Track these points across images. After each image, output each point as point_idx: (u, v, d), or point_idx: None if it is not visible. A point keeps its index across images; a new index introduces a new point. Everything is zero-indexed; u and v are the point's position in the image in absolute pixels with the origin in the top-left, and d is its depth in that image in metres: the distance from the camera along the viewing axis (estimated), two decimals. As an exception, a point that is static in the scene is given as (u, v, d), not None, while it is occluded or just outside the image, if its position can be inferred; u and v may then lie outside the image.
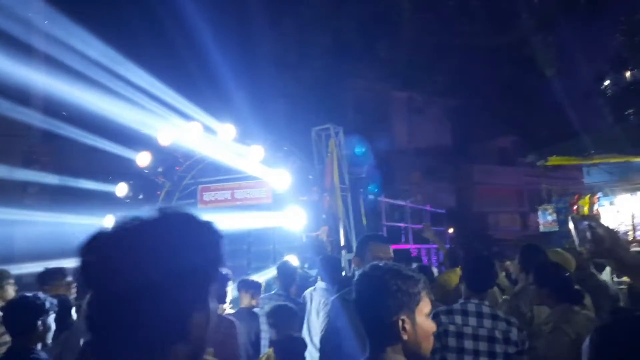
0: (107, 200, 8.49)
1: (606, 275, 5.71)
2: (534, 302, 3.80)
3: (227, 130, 7.64)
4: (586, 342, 1.52)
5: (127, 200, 8.27)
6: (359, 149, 8.85)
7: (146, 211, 1.06)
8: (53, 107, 9.57)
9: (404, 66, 17.88)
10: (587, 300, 3.84)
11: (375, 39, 17.91)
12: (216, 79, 13.20)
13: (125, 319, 0.96)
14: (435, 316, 2.99)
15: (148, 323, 0.97)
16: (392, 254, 3.19)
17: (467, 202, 20.49)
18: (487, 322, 3.06)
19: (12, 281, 4.57)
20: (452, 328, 3.07)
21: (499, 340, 2.98)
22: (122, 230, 1.04)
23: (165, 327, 0.99)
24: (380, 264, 1.82)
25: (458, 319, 3.12)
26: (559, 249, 4.90)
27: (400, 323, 1.69)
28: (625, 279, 8.65)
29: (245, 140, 7.65)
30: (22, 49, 9.25)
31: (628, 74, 17.95)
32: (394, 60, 17.91)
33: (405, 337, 1.70)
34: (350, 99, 19.54)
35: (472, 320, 3.09)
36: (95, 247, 1.03)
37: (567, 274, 3.64)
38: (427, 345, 1.76)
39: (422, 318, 1.75)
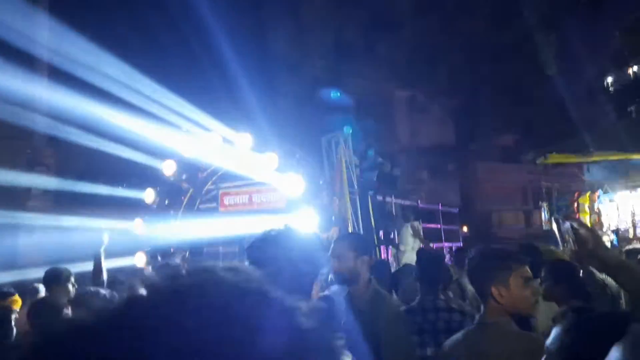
0: (133, 205, 9.42)
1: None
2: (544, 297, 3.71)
3: (244, 139, 8.24)
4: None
5: (154, 206, 9.07)
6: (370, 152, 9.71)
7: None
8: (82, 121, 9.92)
9: (406, 65, 17.96)
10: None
11: (376, 37, 18.00)
12: (230, 87, 13.81)
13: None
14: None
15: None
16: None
17: (471, 200, 20.46)
18: (443, 315, 3.30)
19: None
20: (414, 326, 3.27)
21: (456, 331, 3.12)
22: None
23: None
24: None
25: (418, 317, 3.33)
26: (552, 247, 4.94)
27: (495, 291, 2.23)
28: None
29: (260, 148, 8.20)
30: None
31: (630, 70, 17.97)
32: (396, 59, 18.00)
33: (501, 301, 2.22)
34: (352, 98, 19.59)
35: (431, 316, 3.32)
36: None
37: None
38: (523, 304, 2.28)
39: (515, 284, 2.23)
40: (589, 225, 1.98)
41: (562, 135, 16.36)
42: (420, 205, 12.72)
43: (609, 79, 18.66)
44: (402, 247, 9.40)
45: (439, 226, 13.19)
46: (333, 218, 7.95)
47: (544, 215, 15.04)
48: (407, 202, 12.37)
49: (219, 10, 13.47)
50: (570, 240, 1.84)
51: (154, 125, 8.71)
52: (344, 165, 8.47)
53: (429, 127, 21.05)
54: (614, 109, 17.70)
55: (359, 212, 8.66)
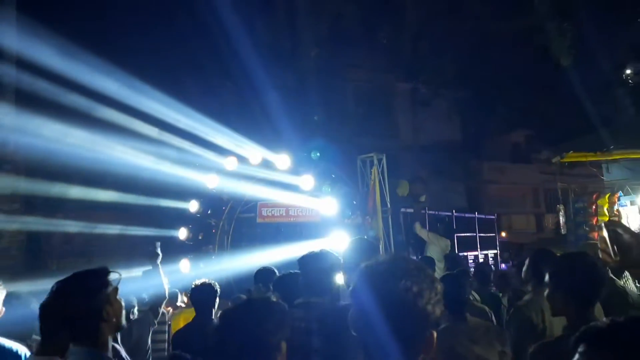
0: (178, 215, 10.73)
1: (628, 280, 5.02)
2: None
3: (282, 160, 8.92)
4: None
5: (198, 215, 10.28)
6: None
7: None
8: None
9: (408, 55, 17.32)
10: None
11: (376, 25, 17.31)
12: (269, 110, 14.59)
13: None
14: None
15: None
16: None
17: (477, 203, 19.65)
18: None
19: None
20: None
21: None
22: None
23: None
24: None
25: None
26: (568, 253, 4.22)
27: None
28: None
29: (297, 170, 9.00)
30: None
31: (652, 62, 17.19)
32: (397, 49, 17.31)
33: None
34: (351, 91, 18.96)
35: None
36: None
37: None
38: None
39: None
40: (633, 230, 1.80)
41: (578, 132, 15.80)
42: (456, 214, 13.76)
43: (628, 71, 17.86)
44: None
45: (474, 234, 14.16)
46: (365, 237, 8.12)
47: (561, 219, 14.21)
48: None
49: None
50: (611, 247, 1.81)
51: (199, 147, 10.06)
52: (377, 184, 9.12)
53: (432, 123, 20.38)
54: (633, 103, 17.08)
55: (391, 230, 9.44)
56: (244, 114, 13.67)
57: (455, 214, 13.58)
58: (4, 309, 3.21)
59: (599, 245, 1.86)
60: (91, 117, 10.76)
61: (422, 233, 10.13)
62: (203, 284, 4.40)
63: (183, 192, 10.49)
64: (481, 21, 17.32)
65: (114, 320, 2.40)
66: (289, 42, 15.71)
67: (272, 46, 14.97)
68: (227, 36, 14.28)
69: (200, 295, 4.38)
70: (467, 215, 14.45)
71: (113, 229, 12.73)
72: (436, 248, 9.72)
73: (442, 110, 20.33)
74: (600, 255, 1.82)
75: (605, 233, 1.83)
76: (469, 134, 21.22)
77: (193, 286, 4.41)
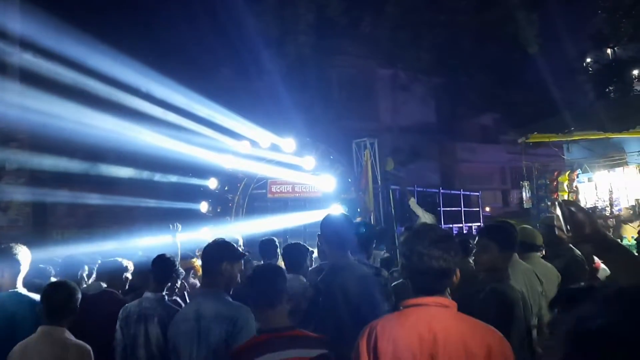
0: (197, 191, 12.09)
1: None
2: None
3: (288, 143, 10.04)
4: None
5: (216, 191, 11.70)
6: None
7: None
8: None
9: (389, 43, 17.88)
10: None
11: (359, 15, 17.86)
12: (278, 98, 15.22)
13: None
14: None
15: None
16: None
17: (451, 180, 20.62)
18: None
19: None
20: None
21: None
22: None
23: None
24: None
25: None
26: (526, 225, 5.06)
27: None
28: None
29: (300, 152, 10.09)
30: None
31: (609, 51, 18.04)
32: (379, 37, 17.88)
33: None
34: (334, 75, 19.59)
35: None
36: None
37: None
38: None
39: None
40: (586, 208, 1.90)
41: (543, 115, 16.30)
42: (442, 191, 14.67)
43: (588, 59, 18.70)
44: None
45: (459, 209, 15.23)
46: (358, 210, 9.57)
47: (525, 194, 15.12)
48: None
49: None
50: (564, 224, 1.82)
51: (217, 132, 11.14)
52: (370, 165, 10.10)
53: (410, 106, 21.04)
54: (593, 89, 17.74)
55: (381, 204, 10.33)
56: (238, 99, 14.21)
57: (441, 190, 14.45)
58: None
59: (555, 222, 1.87)
60: (112, 102, 11.41)
61: (417, 209, 10.48)
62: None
63: (204, 171, 11.65)
64: (455, 13, 17.95)
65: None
66: (277, 30, 16.16)
67: (262, 34, 15.45)
68: (222, 27, 14.85)
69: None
70: (452, 192, 15.47)
71: (121, 201, 13.54)
72: (426, 222, 10.64)
73: (420, 95, 21.03)
74: (557, 232, 1.82)
75: (559, 211, 1.84)
76: (443, 116, 21.96)
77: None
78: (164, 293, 4.15)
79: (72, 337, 3.42)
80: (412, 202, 10.47)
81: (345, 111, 18.43)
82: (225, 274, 3.31)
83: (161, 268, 4.18)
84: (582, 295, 1.54)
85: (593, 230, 1.77)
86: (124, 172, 13.00)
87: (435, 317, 2.12)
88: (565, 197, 14.08)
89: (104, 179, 13.15)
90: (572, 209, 1.81)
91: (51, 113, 10.48)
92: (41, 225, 14.26)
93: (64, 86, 10.76)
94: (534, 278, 3.82)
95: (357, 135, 11.46)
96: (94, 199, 13.68)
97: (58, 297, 3.43)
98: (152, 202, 13.08)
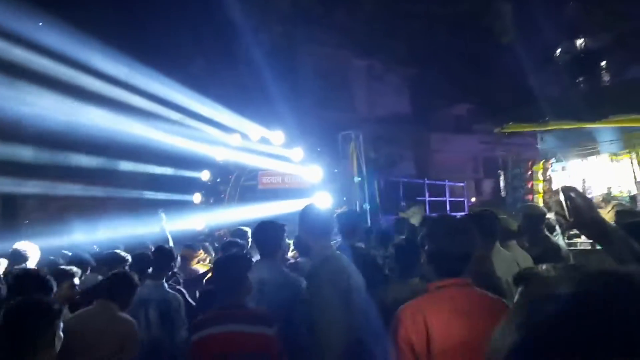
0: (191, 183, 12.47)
1: (558, 236, 5.93)
2: None
3: (277, 136, 10.55)
4: None
5: (209, 183, 12.22)
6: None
7: None
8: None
9: (364, 33, 17.87)
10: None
11: (335, 6, 17.78)
12: (266, 92, 15.26)
13: None
14: None
15: None
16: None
17: (425, 170, 20.77)
18: None
19: None
20: None
21: None
22: None
23: None
24: None
25: None
26: (504, 215, 5.14)
27: None
28: (578, 240, 9.01)
29: (289, 144, 10.50)
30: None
31: (579, 42, 18.39)
32: (354, 27, 17.84)
33: None
34: (310, 65, 19.50)
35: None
36: None
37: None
38: None
39: None
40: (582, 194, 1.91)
41: (516, 105, 16.54)
42: (427, 181, 14.99)
43: (559, 50, 19.02)
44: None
45: (444, 199, 15.41)
46: (344, 198, 10.11)
47: (502, 183, 15.38)
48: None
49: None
50: (566, 209, 1.84)
51: (208, 126, 11.48)
52: (355, 156, 10.51)
53: (386, 97, 21.11)
54: (564, 80, 18.04)
55: (366, 193, 10.64)
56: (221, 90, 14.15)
57: (427, 181, 14.77)
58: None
59: (553, 208, 1.98)
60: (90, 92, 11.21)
61: (414, 217, 10.96)
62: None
63: (197, 164, 11.85)
64: (430, 3, 18.03)
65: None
66: (254, 20, 15.99)
67: (239, 25, 15.29)
68: (195, 15, 14.62)
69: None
70: (438, 182, 15.63)
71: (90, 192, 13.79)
72: (417, 216, 11.05)
73: (394, 86, 21.19)
74: (555, 217, 1.90)
75: (562, 197, 1.86)
76: (418, 107, 22.13)
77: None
78: (163, 281, 4.57)
79: (123, 313, 3.81)
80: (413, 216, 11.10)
81: (321, 102, 18.36)
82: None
83: (161, 258, 4.68)
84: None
85: (592, 216, 1.81)
86: (97, 162, 12.94)
87: (466, 294, 2.43)
88: (540, 186, 14.35)
89: (77, 169, 12.98)
90: (572, 194, 1.84)
91: (19, 101, 10.36)
92: (10, 218, 13.92)
93: (33, 73, 10.42)
94: (515, 266, 3.86)
95: (333, 126, 11.85)
96: (65, 190, 13.40)
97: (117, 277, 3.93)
98: (134, 193, 13.50)
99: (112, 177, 13.77)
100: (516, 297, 1.47)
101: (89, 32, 10.82)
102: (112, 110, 11.26)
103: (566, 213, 1.84)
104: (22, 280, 3.48)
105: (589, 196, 13.20)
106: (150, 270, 4.73)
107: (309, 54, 19.16)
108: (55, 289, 3.53)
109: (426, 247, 2.55)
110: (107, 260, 5.14)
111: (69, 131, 11.07)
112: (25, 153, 11.95)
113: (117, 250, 5.34)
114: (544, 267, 1.65)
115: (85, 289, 4.50)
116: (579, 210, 1.81)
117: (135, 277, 3.96)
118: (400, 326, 2.34)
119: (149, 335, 4.22)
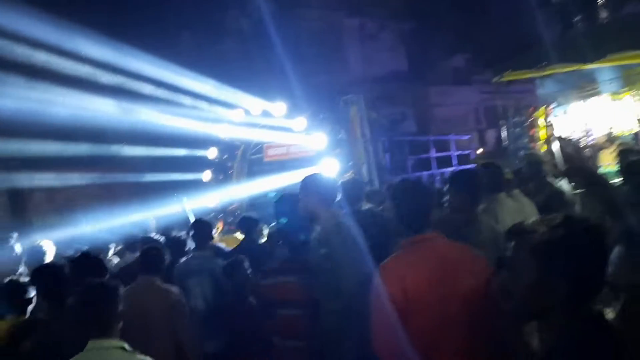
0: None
1: (564, 183, 5.95)
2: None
3: (279, 107, 10.70)
4: None
5: (217, 160, 12.55)
6: None
7: None
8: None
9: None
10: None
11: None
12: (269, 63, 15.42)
13: None
14: None
15: None
16: None
17: (427, 126, 20.65)
18: None
19: None
20: None
21: None
22: None
23: None
24: None
25: None
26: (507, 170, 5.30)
27: None
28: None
29: (291, 114, 10.65)
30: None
31: (575, -20, 17.91)
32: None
33: None
34: (302, 30, 19.23)
35: None
36: None
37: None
38: None
39: None
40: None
41: (513, 52, 16.19)
42: (432, 138, 15.17)
43: None
44: None
45: (450, 153, 15.39)
46: (350, 163, 10.09)
47: (503, 133, 15.30)
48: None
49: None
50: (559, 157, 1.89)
51: (210, 104, 11.69)
52: (357, 120, 10.51)
53: (381, 55, 20.84)
54: (560, 21, 17.74)
55: (372, 156, 10.68)
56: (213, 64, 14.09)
57: (432, 137, 14.96)
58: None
59: (543, 158, 2.01)
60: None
61: None
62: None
63: (203, 142, 12.36)
64: None
65: None
66: None
67: None
68: None
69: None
70: (443, 137, 15.74)
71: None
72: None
73: (389, 43, 20.91)
74: (545, 167, 1.97)
75: (556, 146, 2.15)
76: (415, 62, 21.85)
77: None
78: (208, 251, 5.12)
79: (166, 284, 4.42)
80: None
81: (317, 67, 18.16)
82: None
83: (200, 229, 5.23)
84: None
85: (581, 166, 1.89)
86: (101, 149, 13.20)
87: (441, 246, 2.68)
88: (542, 132, 14.28)
89: (80, 158, 13.26)
90: (562, 144, 1.91)
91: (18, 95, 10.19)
92: (20, 212, 14.01)
93: (30, 65, 10.38)
94: (518, 217, 3.76)
95: (332, 90, 11.83)
96: (71, 179, 13.43)
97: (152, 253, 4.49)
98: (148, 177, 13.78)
99: (119, 163, 13.92)
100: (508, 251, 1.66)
101: (81, 21, 10.51)
102: (114, 97, 11.48)
103: (557, 162, 1.85)
104: (81, 263, 4.16)
105: (590, 139, 13.32)
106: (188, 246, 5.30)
107: (299, 18, 18.87)
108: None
109: (396, 209, 2.84)
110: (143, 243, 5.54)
111: (68, 121, 11.02)
112: (28, 146, 11.95)
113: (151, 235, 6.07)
114: (530, 221, 1.73)
115: (125, 266, 5.31)
116: (569, 159, 1.85)
117: (164, 252, 4.52)
118: (382, 282, 2.53)
119: (204, 303, 4.63)
